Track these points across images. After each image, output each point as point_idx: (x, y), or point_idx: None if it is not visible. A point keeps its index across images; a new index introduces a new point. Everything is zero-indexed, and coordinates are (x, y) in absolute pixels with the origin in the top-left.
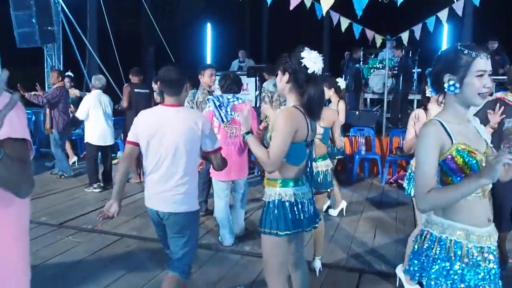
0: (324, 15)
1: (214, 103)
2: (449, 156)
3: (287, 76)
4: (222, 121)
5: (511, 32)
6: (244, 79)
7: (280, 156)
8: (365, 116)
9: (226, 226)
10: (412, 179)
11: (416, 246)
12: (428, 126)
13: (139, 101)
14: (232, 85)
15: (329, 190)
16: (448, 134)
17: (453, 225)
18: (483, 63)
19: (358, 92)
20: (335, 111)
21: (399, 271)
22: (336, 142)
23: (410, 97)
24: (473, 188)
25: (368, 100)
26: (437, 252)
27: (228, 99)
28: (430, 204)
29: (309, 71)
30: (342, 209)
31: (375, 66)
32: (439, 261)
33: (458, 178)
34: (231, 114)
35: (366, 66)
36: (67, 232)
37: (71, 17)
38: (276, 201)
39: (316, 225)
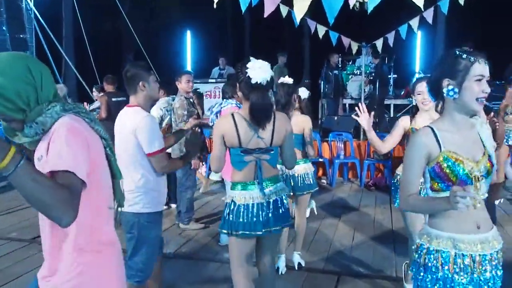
0: (299, 23)
1: (162, 108)
2: (437, 164)
3: (238, 86)
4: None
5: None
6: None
7: (214, 158)
8: (343, 121)
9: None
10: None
11: (412, 257)
12: (418, 133)
13: (118, 110)
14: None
15: (311, 191)
16: (438, 142)
17: (439, 234)
18: (481, 68)
19: (337, 98)
20: (307, 119)
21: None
22: (307, 151)
23: (387, 102)
24: (442, 209)
25: (347, 105)
26: (427, 262)
27: (220, 104)
28: (409, 207)
29: (253, 82)
30: (312, 209)
31: (353, 72)
32: (429, 271)
33: (445, 185)
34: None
35: (344, 72)
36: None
37: (44, 24)
38: (228, 203)
39: (273, 230)
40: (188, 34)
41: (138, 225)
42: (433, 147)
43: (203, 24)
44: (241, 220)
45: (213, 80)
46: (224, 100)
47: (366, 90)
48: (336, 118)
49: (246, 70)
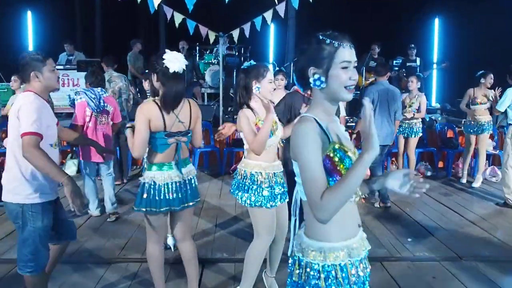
0: (156, 8)
1: (88, 95)
2: (326, 156)
3: (155, 76)
4: (95, 110)
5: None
6: (74, 73)
7: (139, 143)
8: (202, 110)
9: (94, 199)
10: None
11: (297, 279)
12: (305, 123)
13: None
14: (102, 81)
15: None
16: (325, 133)
17: (333, 247)
18: (347, 53)
19: (195, 87)
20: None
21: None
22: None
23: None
24: (362, 169)
25: (206, 94)
26: (323, 282)
27: (99, 92)
28: (329, 210)
29: (170, 71)
30: None
31: (210, 61)
32: None
33: (334, 180)
34: (103, 105)
35: (203, 61)
36: None
37: None
38: (147, 183)
39: (189, 205)
40: (29, 15)
41: (22, 216)
42: (323, 138)
43: (47, 4)
44: (162, 198)
45: (61, 67)
46: (100, 89)
47: (223, 79)
48: None
49: (163, 61)
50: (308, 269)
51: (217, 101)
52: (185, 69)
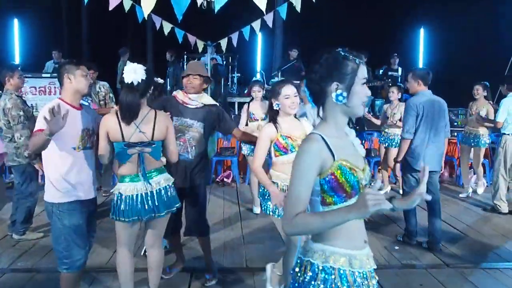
0: (146, 18)
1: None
2: (331, 174)
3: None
4: None
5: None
6: None
7: (101, 152)
8: None
9: None
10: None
11: (296, 279)
12: (310, 141)
13: None
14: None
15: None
16: (330, 150)
17: (335, 251)
18: (365, 70)
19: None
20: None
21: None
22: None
23: (231, 100)
24: (340, 221)
25: None
26: (321, 284)
27: (86, 101)
28: (296, 229)
29: (125, 81)
30: None
31: None
32: None
33: (339, 198)
34: None
35: None
36: None
37: None
38: (117, 194)
39: (158, 215)
40: (16, 23)
41: (53, 214)
42: (327, 157)
43: (34, 12)
44: (127, 208)
45: (48, 75)
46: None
47: (211, 87)
48: None
49: (123, 71)
50: (308, 268)
51: None
52: (140, 82)
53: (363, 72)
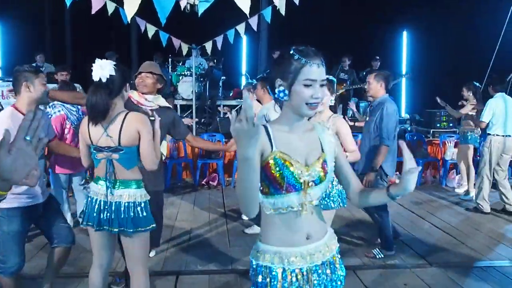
0: (129, 21)
1: (66, 108)
2: (266, 164)
3: None
4: (75, 123)
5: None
6: None
7: (80, 155)
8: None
9: (65, 212)
10: (337, 196)
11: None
12: None
13: None
14: None
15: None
16: (270, 141)
17: (266, 249)
18: (313, 71)
19: (166, 99)
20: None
21: None
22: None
23: (218, 102)
24: (241, 165)
25: (179, 106)
26: (258, 282)
27: (77, 106)
28: (237, 189)
29: (94, 79)
30: None
31: (183, 73)
32: None
33: (274, 189)
34: (82, 117)
35: (175, 73)
36: None
37: None
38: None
39: (112, 231)
40: None
41: None
42: (266, 145)
43: (16, 15)
44: (95, 215)
45: None
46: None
47: (196, 90)
48: None
49: (92, 68)
50: (252, 267)
51: (190, 112)
52: (109, 78)
53: (307, 73)
